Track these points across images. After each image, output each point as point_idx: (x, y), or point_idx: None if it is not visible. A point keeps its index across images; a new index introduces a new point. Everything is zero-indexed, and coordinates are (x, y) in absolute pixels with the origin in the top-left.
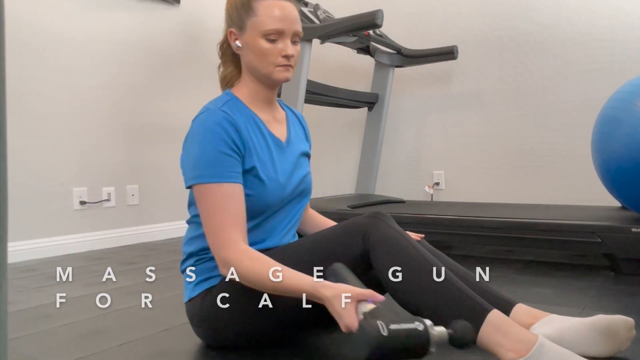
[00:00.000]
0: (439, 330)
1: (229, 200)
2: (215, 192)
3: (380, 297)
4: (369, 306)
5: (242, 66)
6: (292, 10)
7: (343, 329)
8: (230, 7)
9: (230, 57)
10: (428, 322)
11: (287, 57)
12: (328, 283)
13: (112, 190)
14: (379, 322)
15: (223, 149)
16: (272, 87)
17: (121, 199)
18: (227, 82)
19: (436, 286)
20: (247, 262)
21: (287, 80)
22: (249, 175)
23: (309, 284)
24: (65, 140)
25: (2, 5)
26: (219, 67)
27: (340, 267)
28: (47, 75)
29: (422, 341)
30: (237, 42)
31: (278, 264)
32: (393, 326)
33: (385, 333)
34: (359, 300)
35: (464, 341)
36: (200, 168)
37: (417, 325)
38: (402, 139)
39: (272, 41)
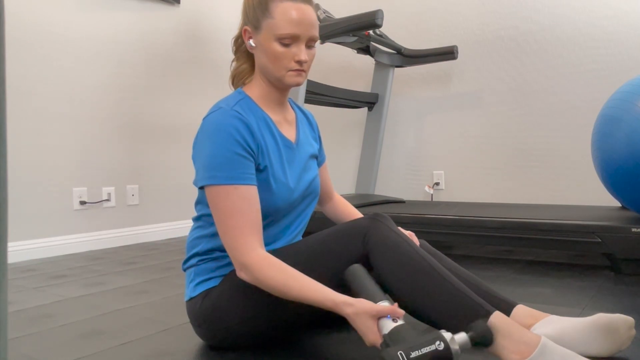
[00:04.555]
0: (460, 341)
1: (246, 203)
2: (232, 194)
3: (400, 312)
4: (389, 323)
5: (255, 65)
6: (310, 14)
7: (368, 344)
8: (247, 4)
9: (244, 53)
10: (447, 335)
11: (300, 62)
12: (349, 300)
13: (112, 190)
14: (399, 353)
15: (237, 150)
16: (283, 89)
17: (121, 199)
18: (239, 79)
19: (437, 289)
20: (268, 270)
21: (298, 84)
22: (260, 176)
23: (331, 299)
24: (65, 140)
25: (2, 5)
26: (232, 62)
27: (358, 270)
28: (47, 75)
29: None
30: (251, 42)
31: (299, 274)
32: (414, 354)
33: None
34: (380, 317)
35: (486, 342)
36: (215, 169)
37: (438, 345)
38: (402, 139)
39: (286, 45)
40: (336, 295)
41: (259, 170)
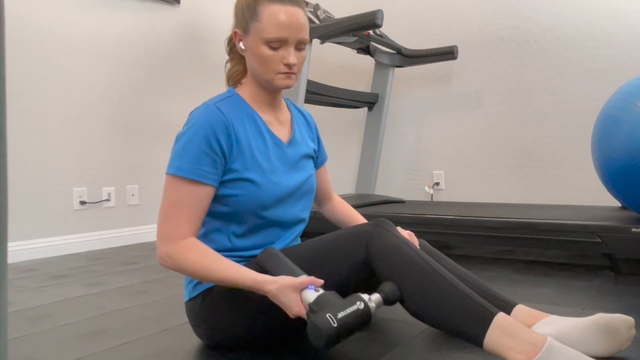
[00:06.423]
0: (375, 299)
1: (193, 199)
2: (183, 187)
3: (319, 281)
4: (312, 293)
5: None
6: (298, 16)
7: (292, 316)
8: (237, 7)
9: (237, 55)
10: (365, 296)
11: (288, 65)
12: (271, 278)
13: (112, 190)
14: (327, 315)
15: (205, 148)
16: (274, 91)
17: (121, 199)
18: (233, 80)
19: (442, 293)
20: (189, 253)
21: (288, 87)
22: (238, 173)
23: (252, 278)
24: (65, 140)
25: (2, 5)
26: (226, 63)
27: (273, 251)
28: (47, 75)
29: (366, 317)
30: (241, 44)
31: (221, 257)
32: (340, 314)
33: (335, 324)
34: (302, 289)
35: (395, 299)
36: (179, 160)
37: (359, 304)
38: (402, 139)
39: (275, 48)
40: (257, 274)
41: (234, 168)
